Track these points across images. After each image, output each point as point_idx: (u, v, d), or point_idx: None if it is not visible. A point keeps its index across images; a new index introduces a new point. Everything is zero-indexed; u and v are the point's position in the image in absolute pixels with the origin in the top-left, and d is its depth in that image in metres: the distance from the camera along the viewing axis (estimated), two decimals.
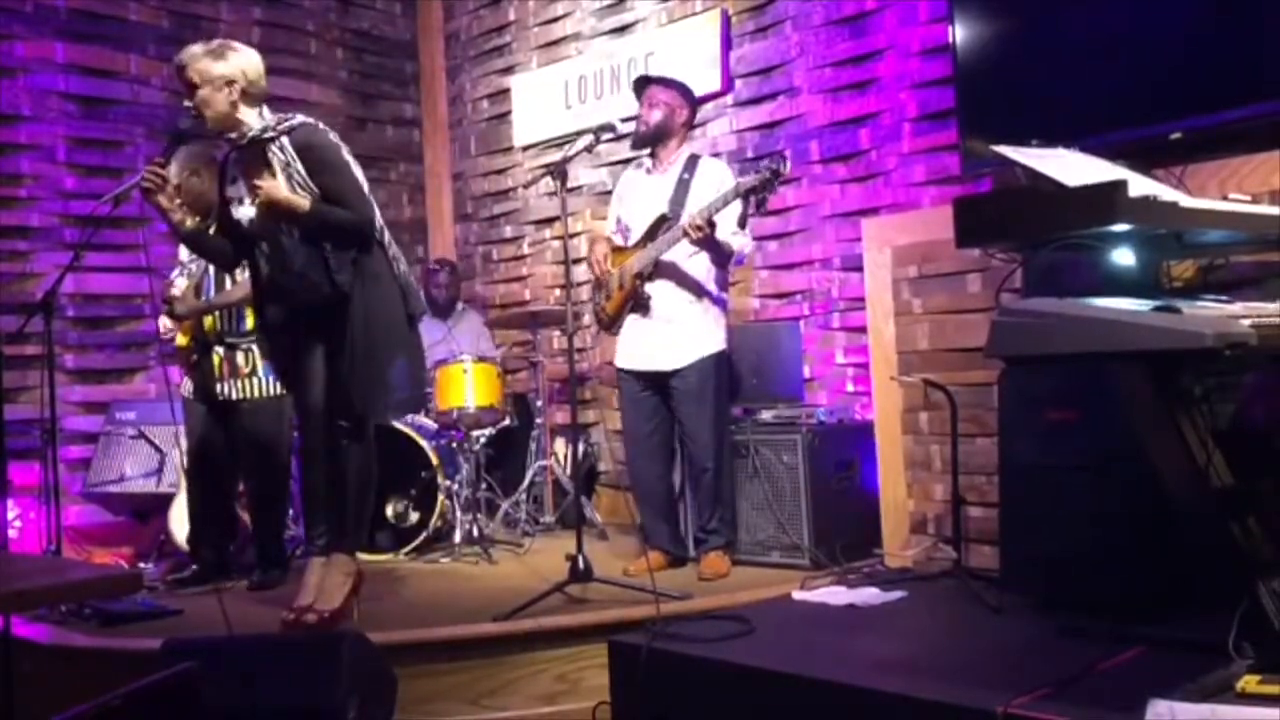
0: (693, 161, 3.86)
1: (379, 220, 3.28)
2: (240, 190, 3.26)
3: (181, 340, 4.03)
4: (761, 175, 3.44)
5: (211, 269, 3.99)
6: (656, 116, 3.84)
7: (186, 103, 3.18)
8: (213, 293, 4.00)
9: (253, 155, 3.20)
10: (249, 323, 4.02)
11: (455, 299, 5.57)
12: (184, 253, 4.19)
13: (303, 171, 3.15)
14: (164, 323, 4.14)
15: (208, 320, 4.00)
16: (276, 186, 3.11)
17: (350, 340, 3.19)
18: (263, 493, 4.05)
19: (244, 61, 3.18)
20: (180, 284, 4.06)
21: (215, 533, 4.09)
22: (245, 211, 3.25)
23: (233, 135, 3.20)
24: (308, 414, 3.35)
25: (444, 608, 3.46)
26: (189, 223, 3.34)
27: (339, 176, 3.19)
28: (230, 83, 3.13)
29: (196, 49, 3.17)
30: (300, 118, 3.23)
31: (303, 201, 3.12)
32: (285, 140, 3.16)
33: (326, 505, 3.43)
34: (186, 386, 4.11)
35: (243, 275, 3.99)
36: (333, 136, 3.25)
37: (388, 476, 4.19)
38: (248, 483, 4.07)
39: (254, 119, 3.19)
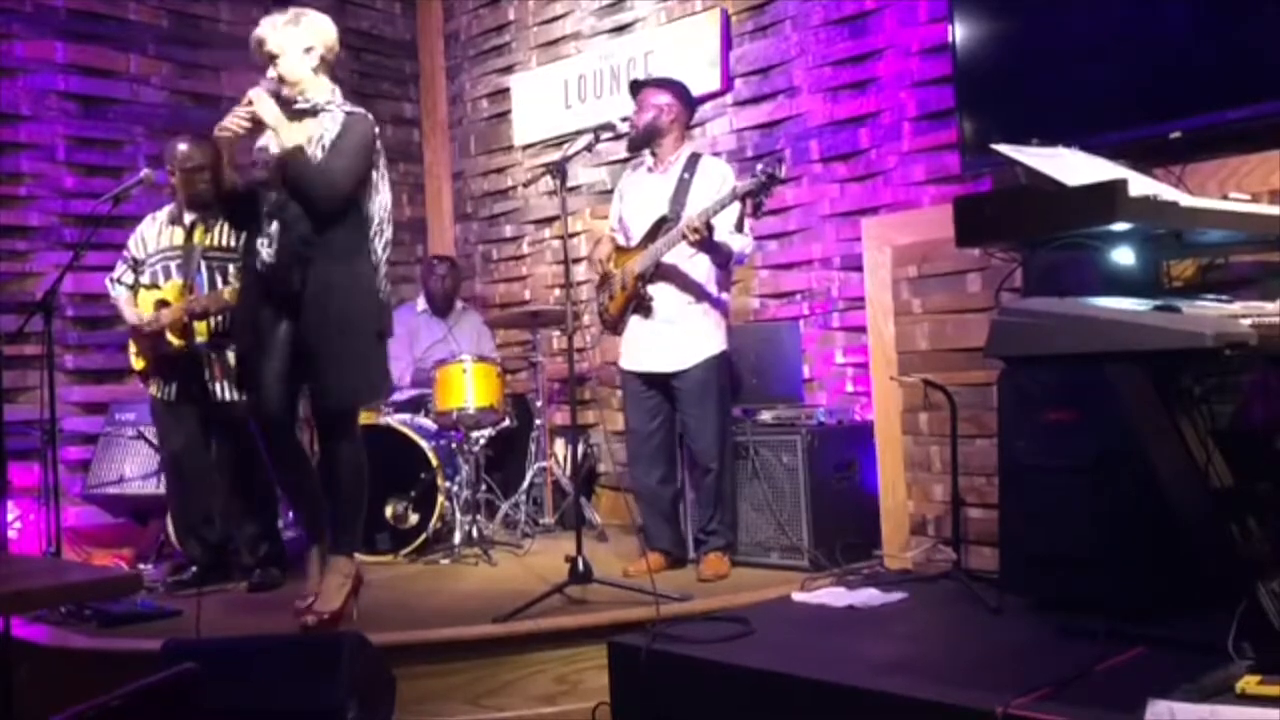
0: (694, 161, 3.86)
1: (378, 240, 3.27)
2: (267, 138, 3.26)
3: (175, 341, 3.95)
4: (758, 179, 3.43)
5: (204, 270, 3.98)
6: (645, 119, 3.85)
7: (271, 73, 3.21)
8: (205, 292, 3.98)
9: (298, 116, 3.22)
10: None
11: (454, 292, 5.55)
12: (134, 247, 4.15)
13: (328, 143, 3.18)
14: (141, 315, 4.03)
15: (201, 324, 3.96)
16: (270, 105, 3.13)
17: (325, 337, 3.17)
18: (257, 493, 4.05)
19: (320, 26, 3.26)
20: (168, 285, 4.02)
21: (205, 533, 4.09)
22: (269, 147, 3.24)
23: (296, 102, 3.22)
24: (271, 417, 3.29)
25: (444, 608, 3.46)
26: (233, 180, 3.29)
27: (344, 156, 3.19)
28: (309, 49, 3.23)
29: (275, 19, 3.24)
30: (362, 110, 3.31)
31: (287, 134, 3.13)
32: (341, 114, 3.23)
33: (305, 505, 3.42)
34: (166, 390, 4.04)
35: (237, 278, 3.99)
36: (374, 133, 3.28)
37: (387, 477, 4.20)
38: (239, 484, 4.04)
39: (324, 92, 3.24)
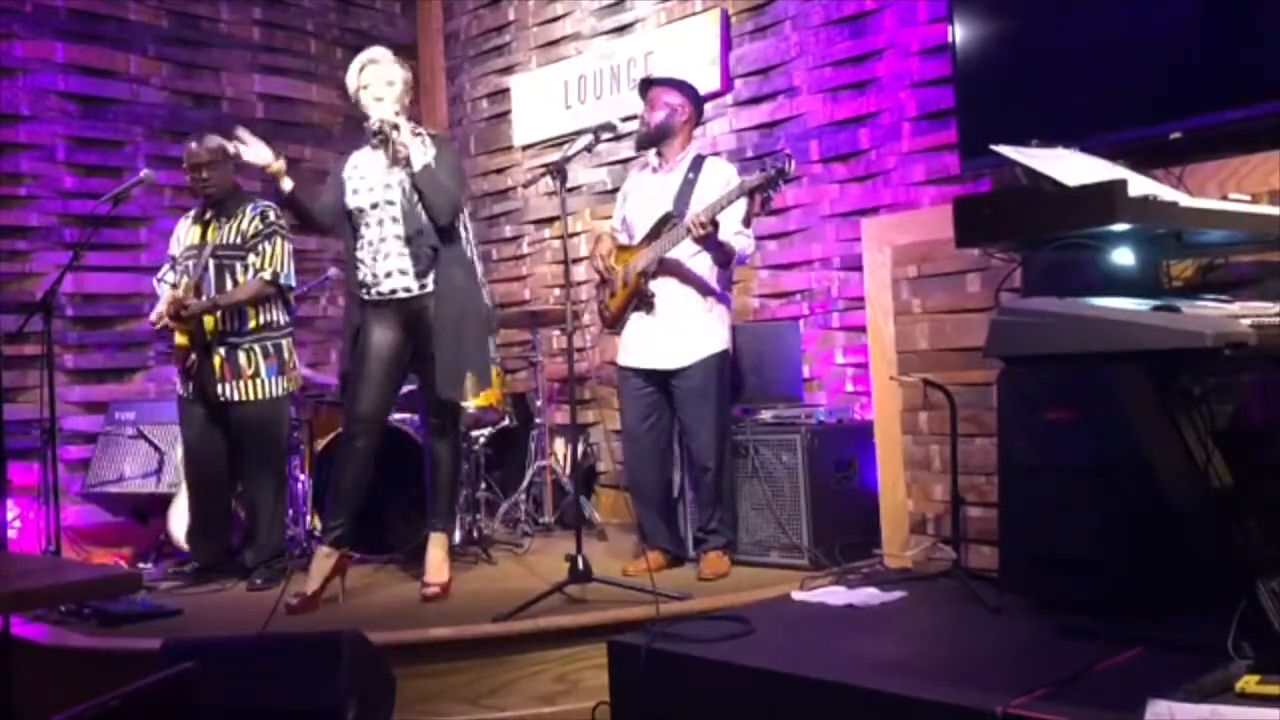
0: (699, 162, 3.86)
1: (470, 249, 3.65)
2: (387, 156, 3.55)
3: (181, 340, 3.99)
4: (766, 174, 3.43)
5: (211, 268, 3.99)
6: (658, 118, 3.85)
7: (370, 93, 3.55)
8: (213, 292, 3.99)
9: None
10: (251, 322, 4.02)
11: None
12: (172, 246, 4.19)
13: (432, 163, 3.54)
14: (160, 310, 4.08)
15: (208, 320, 3.98)
16: (407, 128, 3.51)
17: (456, 333, 3.50)
18: (265, 493, 4.05)
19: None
20: (181, 283, 4.04)
21: (215, 533, 4.09)
22: (406, 139, 3.52)
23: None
24: (361, 416, 3.55)
25: (444, 608, 3.46)
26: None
27: (452, 173, 3.60)
28: (408, 91, 3.66)
29: (390, 53, 3.65)
30: (440, 134, 3.72)
31: (418, 155, 3.49)
32: (428, 138, 3.63)
33: (348, 508, 3.58)
34: (186, 387, 4.08)
35: (244, 275, 4.01)
36: (456, 149, 3.70)
37: (387, 476, 4.19)
38: (249, 483, 4.06)
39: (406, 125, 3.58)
